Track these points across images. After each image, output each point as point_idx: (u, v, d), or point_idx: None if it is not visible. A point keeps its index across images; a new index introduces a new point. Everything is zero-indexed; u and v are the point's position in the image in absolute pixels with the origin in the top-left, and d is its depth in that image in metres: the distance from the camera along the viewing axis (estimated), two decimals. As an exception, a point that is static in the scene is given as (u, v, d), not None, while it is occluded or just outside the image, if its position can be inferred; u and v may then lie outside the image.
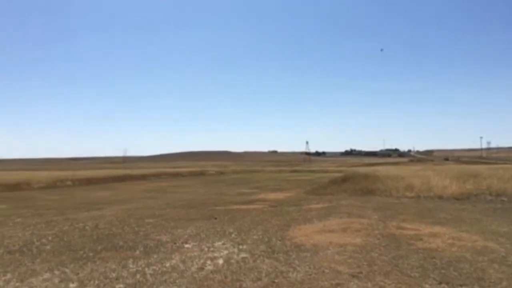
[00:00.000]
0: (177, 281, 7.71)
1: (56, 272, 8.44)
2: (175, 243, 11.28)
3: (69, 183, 43.57)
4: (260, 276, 7.99)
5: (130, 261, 9.31)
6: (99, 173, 58.29)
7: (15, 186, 37.63)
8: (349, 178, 30.30)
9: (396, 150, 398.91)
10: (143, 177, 56.42)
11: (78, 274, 8.28)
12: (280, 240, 11.42)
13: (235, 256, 9.62)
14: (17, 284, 7.73)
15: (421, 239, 11.19)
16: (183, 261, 9.18)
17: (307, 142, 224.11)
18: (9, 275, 8.28)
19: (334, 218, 15.37)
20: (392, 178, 27.27)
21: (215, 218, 16.06)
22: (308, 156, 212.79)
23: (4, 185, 37.00)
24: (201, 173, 69.82)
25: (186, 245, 11.00)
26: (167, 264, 8.94)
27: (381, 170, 40.31)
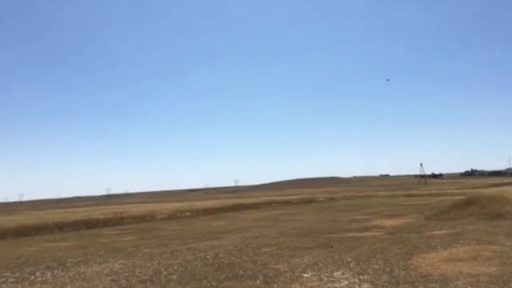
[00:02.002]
0: (300, 312, 7.65)
1: (184, 301, 8.86)
2: (293, 273, 11.26)
3: (188, 213, 46.03)
4: (386, 308, 7.62)
5: (252, 290, 9.46)
6: (214, 204, 60.86)
7: (141, 218, 40.70)
8: (474, 201, 27.96)
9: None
10: (255, 206, 57.63)
11: (204, 303, 8.60)
12: (403, 270, 10.84)
13: (356, 287, 9.31)
14: (151, 311, 8.25)
15: None
16: (304, 292, 9.10)
17: (421, 164, 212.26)
18: (143, 303, 8.86)
19: (461, 245, 14.25)
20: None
21: (331, 247, 15.77)
22: (424, 178, 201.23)
23: (132, 217, 40.24)
24: (311, 200, 69.44)
25: (305, 275, 10.92)
26: (288, 294, 8.92)
27: (510, 191, 36.67)
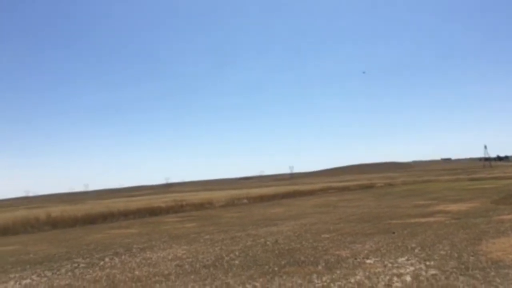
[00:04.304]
0: (365, 298, 7.51)
1: (248, 286, 8.95)
2: (355, 259, 11.09)
3: (245, 201, 46.61)
4: (457, 295, 7.32)
5: (314, 276, 9.40)
6: (270, 190, 61.17)
7: (200, 206, 41.67)
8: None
9: None
10: (311, 192, 57.41)
11: (267, 288, 8.65)
12: (472, 256, 10.38)
13: (423, 273, 9.01)
14: (215, 296, 8.40)
15: None
16: (368, 277, 8.93)
17: (485, 146, 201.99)
18: (207, 288, 9.05)
19: (534, 230, 13.45)
20: None
21: (393, 233, 15.39)
22: (488, 161, 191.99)
23: (191, 205, 41.28)
24: (370, 186, 68.22)
25: (368, 261, 10.72)
26: (352, 280, 8.79)
27: None
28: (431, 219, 19.05)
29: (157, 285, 9.64)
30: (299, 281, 9.00)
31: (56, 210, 41.84)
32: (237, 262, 11.81)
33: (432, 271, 9.11)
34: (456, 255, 10.65)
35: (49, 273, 12.18)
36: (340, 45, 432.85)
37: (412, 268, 9.53)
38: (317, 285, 8.62)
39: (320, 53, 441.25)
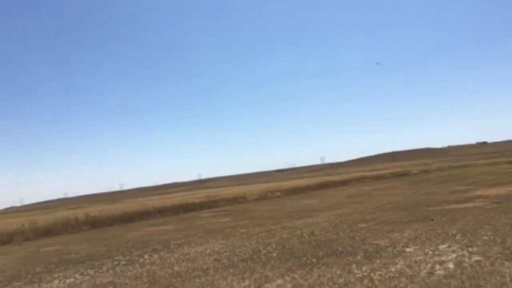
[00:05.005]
0: (408, 286, 7.37)
1: (287, 278, 8.93)
2: (395, 247, 10.90)
3: (277, 193, 46.57)
4: (504, 280, 7.09)
5: (354, 266, 9.30)
6: (303, 182, 60.93)
7: (233, 200, 41.90)
8: None
9: None
10: (345, 183, 56.86)
11: (307, 279, 8.60)
12: (517, 241, 10.04)
13: (466, 260, 8.78)
14: (255, 289, 8.41)
15: None
16: (409, 266, 8.77)
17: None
18: (247, 282, 9.07)
19: None
20: None
21: (432, 220, 15.06)
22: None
23: (225, 200, 41.56)
24: (404, 174, 66.93)
25: (408, 249, 10.53)
26: (393, 269, 8.65)
27: None
28: (470, 204, 18.56)
29: (197, 280, 9.74)
30: (339, 272, 8.92)
31: (94, 210, 42.94)
32: (274, 254, 11.81)
33: (476, 258, 8.87)
34: (499, 240, 10.34)
35: (91, 272, 12.50)
36: (372, 32, 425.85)
37: (454, 255, 9.30)
38: (357, 275, 8.52)
39: (351, 41, 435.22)
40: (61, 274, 12.58)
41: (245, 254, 12.42)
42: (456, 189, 28.43)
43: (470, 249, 9.71)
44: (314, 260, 10.47)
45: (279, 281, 8.77)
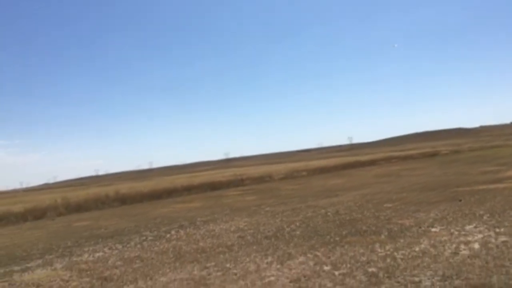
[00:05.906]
0: (431, 266, 7.31)
1: (309, 256, 8.99)
2: (420, 227, 10.80)
3: (304, 173, 46.57)
4: (530, 262, 6.96)
5: (377, 245, 9.27)
6: (330, 162, 60.64)
7: (260, 179, 42.14)
8: None
9: None
10: (373, 162, 56.32)
11: (329, 257, 8.64)
12: (548, 222, 9.80)
13: (492, 240, 8.64)
14: (278, 266, 8.50)
15: None
16: (433, 246, 8.68)
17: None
18: (270, 258, 9.18)
19: None
20: None
21: (460, 200, 14.81)
22: None
23: (251, 179, 41.85)
24: (434, 154, 65.77)
25: (433, 229, 10.41)
26: (416, 249, 8.59)
27: None
28: (501, 185, 18.13)
29: (221, 255, 9.92)
30: (361, 250, 8.92)
31: (124, 187, 43.96)
32: (298, 232, 11.88)
33: (503, 238, 8.71)
34: (529, 221, 10.11)
35: (119, 246, 12.88)
36: (400, 10, 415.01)
37: (480, 236, 9.16)
38: (380, 254, 8.50)
39: (379, 19, 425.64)
40: (91, 248, 13.02)
41: (269, 231, 12.54)
42: (487, 169, 27.79)
43: (497, 230, 9.53)
44: (337, 238, 10.48)
45: (301, 258, 8.84)
